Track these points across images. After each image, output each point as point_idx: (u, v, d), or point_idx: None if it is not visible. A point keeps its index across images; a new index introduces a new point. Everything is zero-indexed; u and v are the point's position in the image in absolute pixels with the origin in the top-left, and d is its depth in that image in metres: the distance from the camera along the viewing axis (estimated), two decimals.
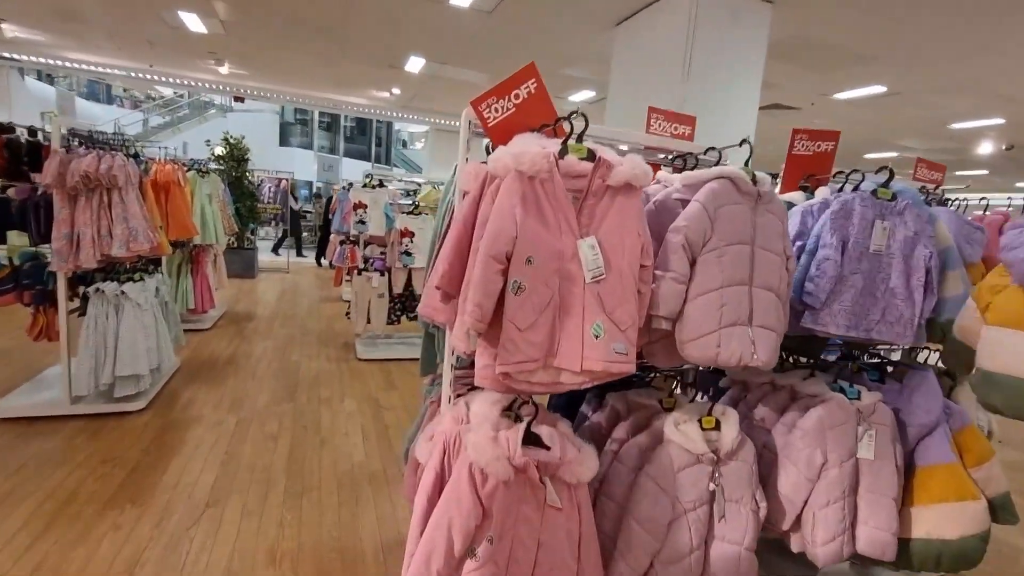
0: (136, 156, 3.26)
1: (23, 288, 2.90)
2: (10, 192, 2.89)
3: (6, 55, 8.44)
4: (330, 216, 7.90)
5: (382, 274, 4.70)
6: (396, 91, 9.15)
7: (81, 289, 3.05)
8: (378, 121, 26.70)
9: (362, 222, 4.54)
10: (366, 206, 4.54)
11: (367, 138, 26.45)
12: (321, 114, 24.45)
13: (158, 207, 3.69)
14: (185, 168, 4.83)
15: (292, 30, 6.39)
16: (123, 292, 3.00)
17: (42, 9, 6.54)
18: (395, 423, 3.44)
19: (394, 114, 10.50)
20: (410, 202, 4.86)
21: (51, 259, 2.80)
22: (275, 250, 10.08)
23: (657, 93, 4.10)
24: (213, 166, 8.17)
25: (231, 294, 7.07)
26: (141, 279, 3.18)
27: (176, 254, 5.02)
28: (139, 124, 19.30)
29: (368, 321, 4.76)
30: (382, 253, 5.11)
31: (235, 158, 8.30)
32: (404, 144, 28.74)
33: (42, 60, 8.62)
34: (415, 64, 7.20)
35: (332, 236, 7.91)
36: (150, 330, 3.18)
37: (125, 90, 23.43)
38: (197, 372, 4.04)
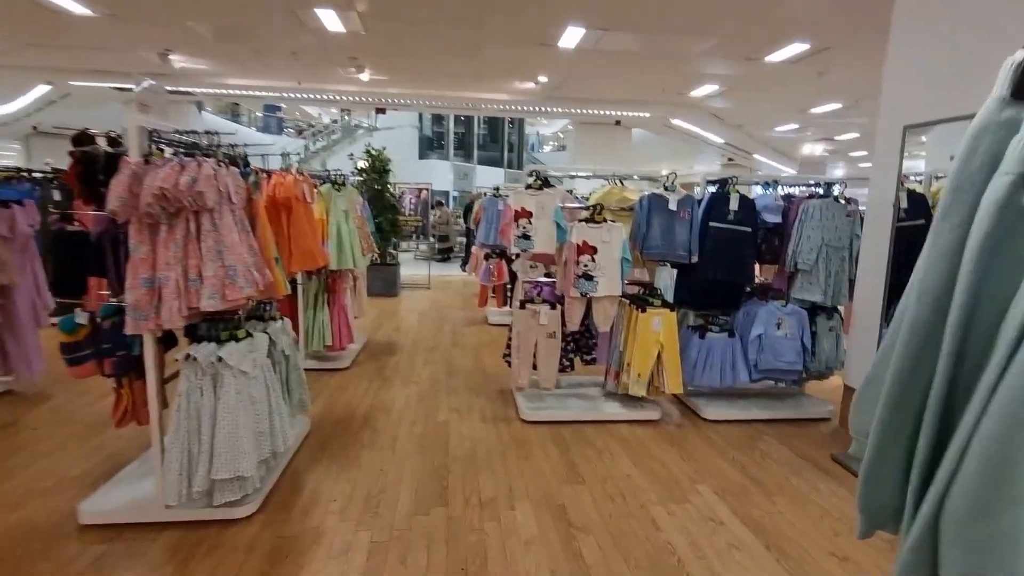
0: (242, 164, 2.35)
1: (103, 355, 2.12)
2: (87, 222, 2.13)
3: (180, 89, 8.91)
4: (472, 227, 7.00)
5: (553, 306, 3.47)
6: (543, 79, 8.03)
7: (182, 354, 2.21)
8: (509, 125, 26.43)
9: (527, 236, 3.35)
10: (531, 214, 3.34)
11: (499, 145, 26.28)
12: (456, 123, 24.79)
13: (276, 232, 2.83)
14: (316, 181, 4.08)
15: (431, 14, 5.53)
16: (220, 358, 2.09)
17: (198, 35, 6.51)
18: (599, 562, 2.13)
19: (538, 108, 9.39)
20: (586, 206, 3.56)
21: (127, 315, 1.95)
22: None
23: None
24: (352, 178, 7.76)
25: (372, 318, 6.44)
26: (248, 335, 2.26)
27: (311, 282, 4.31)
28: (301, 150, 21.05)
29: (534, 368, 3.56)
30: (548, 276, 3.90)
31: (377, 170, 7.79)
32: (533, 148, 28.12)
33: (209, 91, 8.99)
34: (571, 37, 5.96)
35: (475, 250, 7.00)
36: (260, 407, 2.25)
37: (292, 121, 26.08)
38: (327, 441, 3.14)
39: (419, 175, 20.26)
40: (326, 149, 21.84)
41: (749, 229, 3.51)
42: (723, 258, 3.48)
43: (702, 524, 2.44)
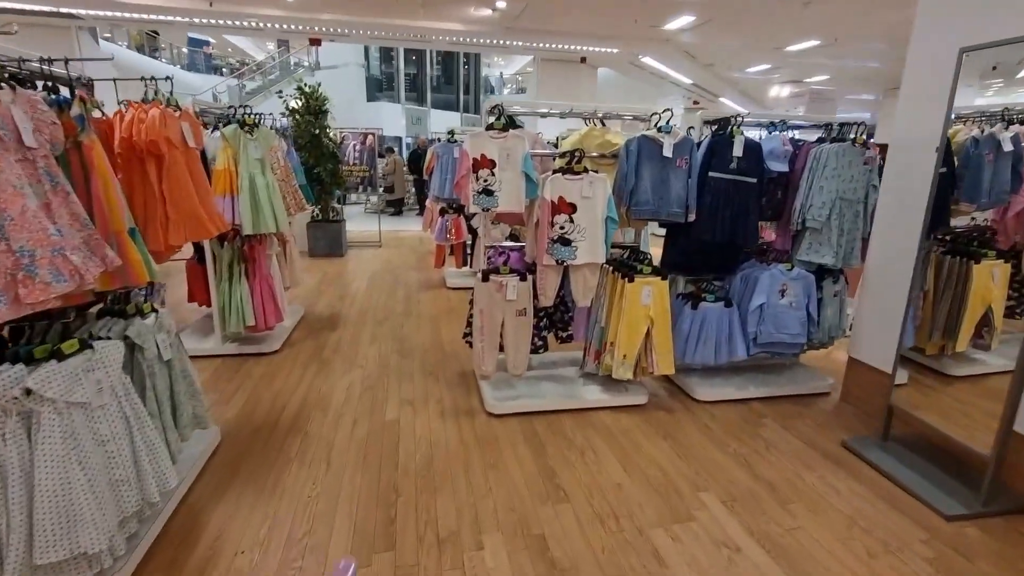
0: (50, 89, 1.54)
1: None
2: None
3: (61, 10, 7.38)
4: (425, 176, 6.19)
5: (522, 277, 2.84)
6: (501, 3, 7.02)
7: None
8: (465, 65, 24.65)
9: (488, 192, 2.66)
10: (493, 163, 2.64)
11: (454, 87, 24.58)
12: (407, 63, 22.90)
13: (139, 190, 2.03)
14: (214, 121, 3.20)
15: None
16: (29, 390, 1.37)
17: None
18: None
19: (496, 42, 8.37)
20: (562, 153, 2.88)
21: None
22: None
23: None
24: (283, 121, 6.71)
25: (312, 285, 5.65)
26: (84, 346, 1.53)
27: (224, 250, 3.50)
28: (236, 91, 18.94)
29: (501, 350, 2.97)
30: (516, 240, 3.25)
31: (312, 111, 6.74)
32: (492, 91, 26.51)
33: (98, 12, 7.49)
34: None
35: (429, 204, 6.22)
36: (117, 446, 1.57)
37: (223, 59, 23.47)
38: (242, 457, 2.48)
39: (368, 119, 18.69)
40: (264, 90, 19.75)
41: (755, 180, 2.93)
42: (724, 215, 2.91)
43: (714, 552, 1.97)
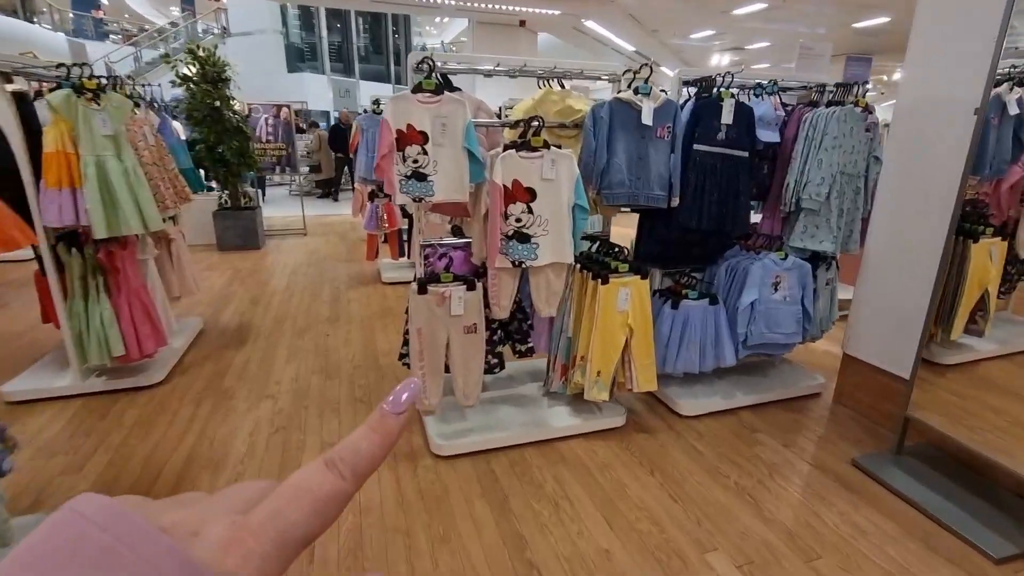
0: None
1: None
2: None
3: None
4: (351, 155, 5.37)
5: (470, 285, 2.21)
6: None
7: None
8: (395, 33, 23.09)
9: (420, 175, 2.00)
10: (425, 137, 1.97)
11: (383, 57, 23.00)
12: (330, 30, 21.14)
13: None
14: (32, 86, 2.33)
15: None
16: None
17: None
18: None
19: (429, 1, 7.48)
20: (513, 123, 2.24)
21: None
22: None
23: None
24: (174, 92, 5.65)
25: (218, 288, 4.75)
26: None
27: (72, 258, 2.64)
28: (131, 60, 16.69)
29: (447, 372, 2.35)
30: (459, 235, 2.61)
31: (209, 78, 5.68)
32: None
33: None
34: None
35: (357, 186, 5.41)
36: None
37: (117, 24, 20.69)
38: None
39: (290, 92, 17.07)
40: (165, 60, 17.54)
41: (745, 153, 2.43)
42: (711, 197, 2.40)
43: None
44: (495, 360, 2.55)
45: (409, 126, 1.97)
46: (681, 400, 2.75)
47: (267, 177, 9.62)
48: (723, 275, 2.76)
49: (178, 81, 5.66)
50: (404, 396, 0.26)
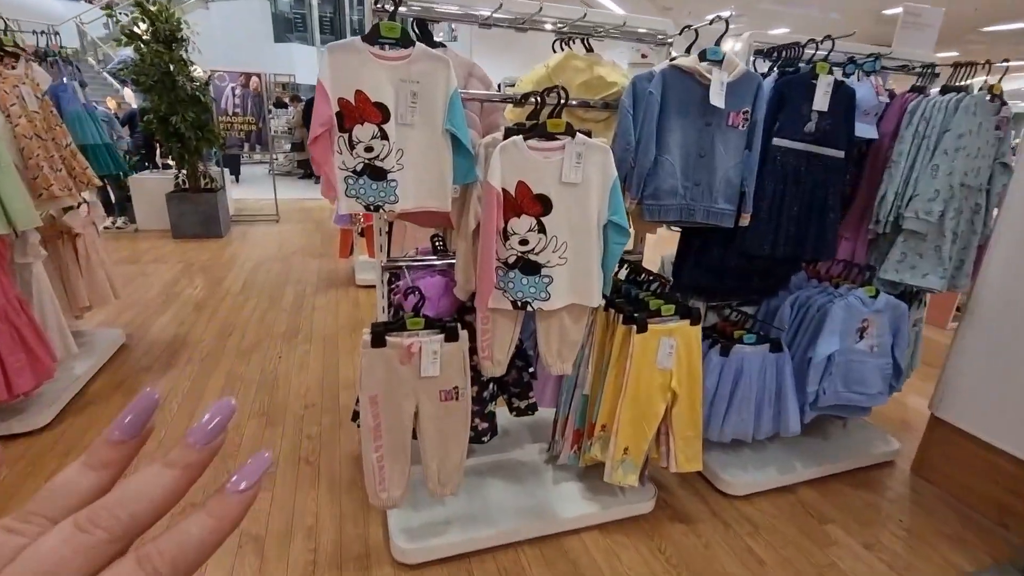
0: None
1: None
2: None
3: None
4: None
5: (449, 333, 1.51)
6: None
7: None
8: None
9: (377, 172, 1.30)
10: (385, 113, 1.27)
11: None
12: (322, 2, 20.00)
13: None
14: None
15: None
16: None
17: None
18: None
19: None
20: (519, 97, 1.53)
21: None
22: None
23: None
24: (123, 55, 4.85)
25: (162, 285, 4.00)
26: None
27: None
28: (103, 23, 15.57)
29: (410, 456, 1.67)
30: (437, 249, 1.92)
31: (161, 38, 4.87)
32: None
33: None
34: None
35: None
36: None
37: None
38: None
39: (277, 63, 16.03)
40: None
41: (841, 153, 1.74)
42: (791, 212, 1.72)
43: None
44: (485, 425, 1.87)
45: (359, 94, 1.26)
46: (727, 474, 2.10)
47: (242, 155, 8.79)
48: (788, 312, 2.09)
49: (124, 39, 4.85)
50: (251, 470, 0.23)
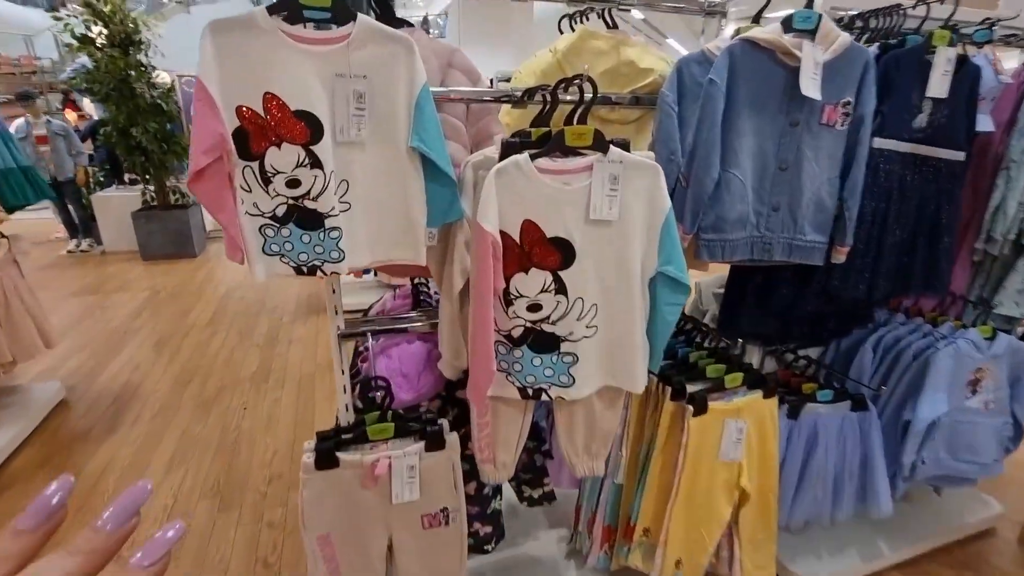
0: None
1: None
2: None
3: None
4: None
5: (433, 440, 1.05)
6: None
7: None
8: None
9: (308, 217, 0.85)
10: (315, 127, 0.82)
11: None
12: None
13: None
14: None
15: None
16: None
17: None
18: None
19: None
20: (520, 94, 1.07)
21: None
22: None
23: None
24: (77, 64, 4.41)
25: (124, 315, 3.54)
26: None
27: None
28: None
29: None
30: (419, 296, 1.46)
31: (117, 41, 4.40)
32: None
33: None
34: None
35: None
36: None
37: None
38: None
39: None
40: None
41: (962, 154, 1.28)
42: (893, 237, 1.26)
43: None
44: (488, 530, 1.42)
45: (270, 100, 0.80)
46: (798, 566, 1.65)
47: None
48: (870, 358, 1.63)
49: (75, 44, 4.37)
50: (157, 545, 0.23)
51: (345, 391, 1.29)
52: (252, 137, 0.81)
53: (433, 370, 1.25)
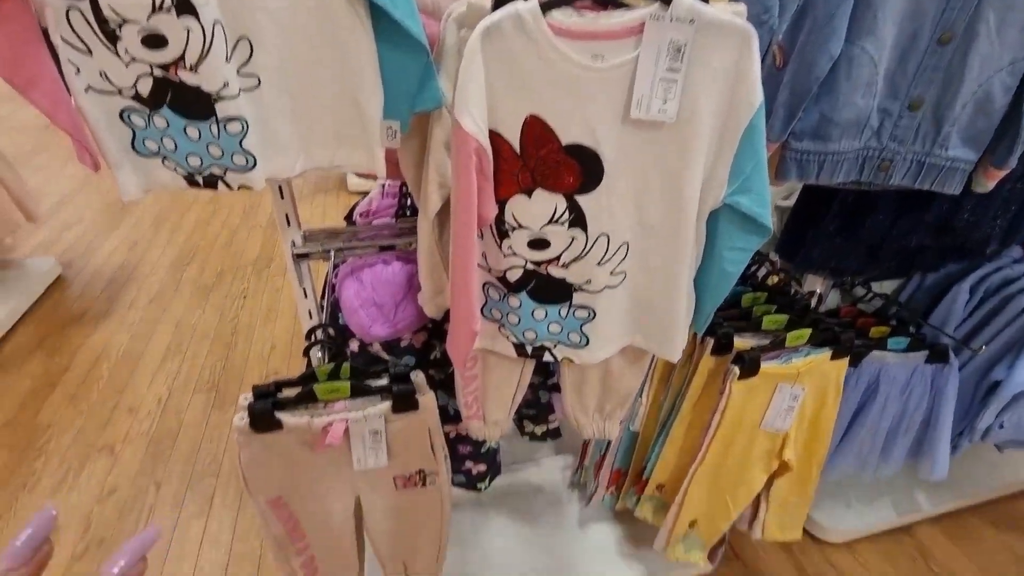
0: None
1: None
2: None
3: None
4: None
5: (402, 400, 0.83)
6: None
7: None
8: None
9: (194, 101, 0.54)
10: None
11: None
12: None
13: None
14: None
15: None
16: None
17: None
18: None
19: None
20: None
21: None
22: None
23: None
24: None
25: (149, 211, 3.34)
26: None
27: None
28: None
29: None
30: (379, 239, 1.16)
31: None
32: None
33: None
34: None
35: None
36: None
37: None
38: None
39: None
40: None
41: None
42: None
43: None
44: (481, 468, 1.26)
45: None
46: (823, 515, 1.51)
47: None
48: (962, 301, 1.31)
49: None
50: (134, 547, 0.26)
51: (311, 317, 1.07)
52: None
53: (415, 300, 1.00)
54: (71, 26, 0.51)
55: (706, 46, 0.57)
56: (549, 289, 0.73)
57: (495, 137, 0.61)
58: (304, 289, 1.04)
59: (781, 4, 0.73)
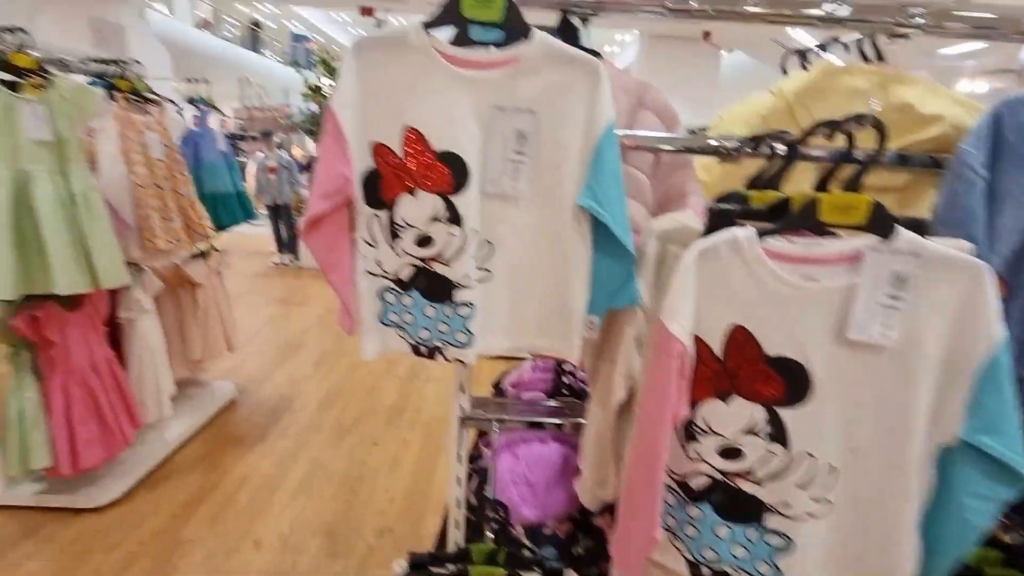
0: None
1: None
2: None
3: None
4: None
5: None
6: None
7: None
8: None
9: (439, 286, 0.65)
10: (461, 171, 0.63)
11: None
12: None
13: None
14: None
15: None
16: None
17: None
18: None
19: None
20: (724, 137, 0.78)
21: None
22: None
23: None
24: (300, 107, 5.16)
25: (302, 325, 3.91)
26: None
27: None
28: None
29: None
30: (536, 415, 1.19)
31: None
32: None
33: None
34: None
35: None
36: None
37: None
38: None
39: None
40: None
41: None
42: None
43: None
44: None
45: (411, 135, 0.63)
46: None
47: None
48: None
49: (308, 93, 5.17)
50: None
51: (459, 483, 1.08)
52: (384, 181, 0.65)
53: (567, 485, 0.97)
54: (368, 228, 0.67)
55: (931, 279, 0.57)
56: (737, 504, 0.66)
57: (697, 340, 0.63)
58: (460, 455, 1.06)
59: (991, 241, 0.72)
